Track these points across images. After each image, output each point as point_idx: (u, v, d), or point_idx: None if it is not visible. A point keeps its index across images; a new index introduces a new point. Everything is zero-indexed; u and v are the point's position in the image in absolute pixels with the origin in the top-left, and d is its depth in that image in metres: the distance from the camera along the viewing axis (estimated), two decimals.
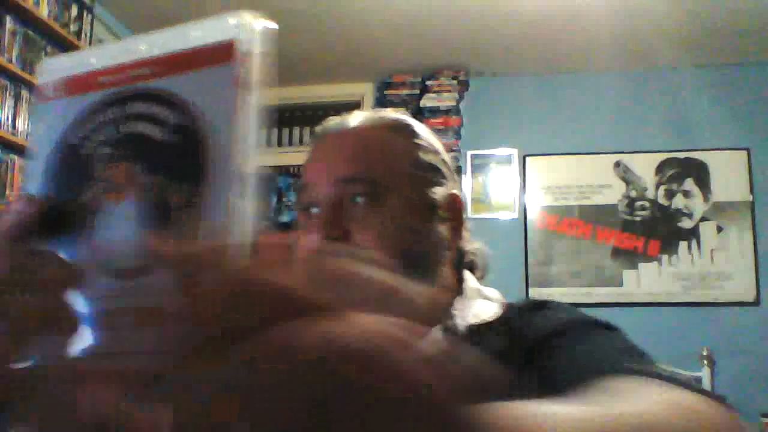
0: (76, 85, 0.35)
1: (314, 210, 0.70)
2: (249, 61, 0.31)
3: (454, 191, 0.77)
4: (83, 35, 2.97)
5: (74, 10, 2.93)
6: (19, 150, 2.56)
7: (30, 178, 0.35)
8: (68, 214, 0.33)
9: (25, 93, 2.59)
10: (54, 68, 0.36)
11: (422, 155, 0.74)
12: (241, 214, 0.30)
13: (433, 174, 0.74)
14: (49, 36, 2.74)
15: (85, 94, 0.34)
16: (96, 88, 0.34)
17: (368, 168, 0.70)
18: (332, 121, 0.77)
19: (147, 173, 0.32)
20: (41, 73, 0.36)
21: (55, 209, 0.34)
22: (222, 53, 0.31)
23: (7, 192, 2.47)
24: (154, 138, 0.32)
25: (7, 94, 2.50)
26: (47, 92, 0.35)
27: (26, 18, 2.61)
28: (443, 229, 0.74)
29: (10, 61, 2.52)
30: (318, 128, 0.78)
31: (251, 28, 0.31)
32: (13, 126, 2.52)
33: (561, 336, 0.62)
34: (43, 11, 2.70)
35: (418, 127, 0.78)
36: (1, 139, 2.44)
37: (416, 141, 0.75)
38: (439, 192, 0.74)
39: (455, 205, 0.76)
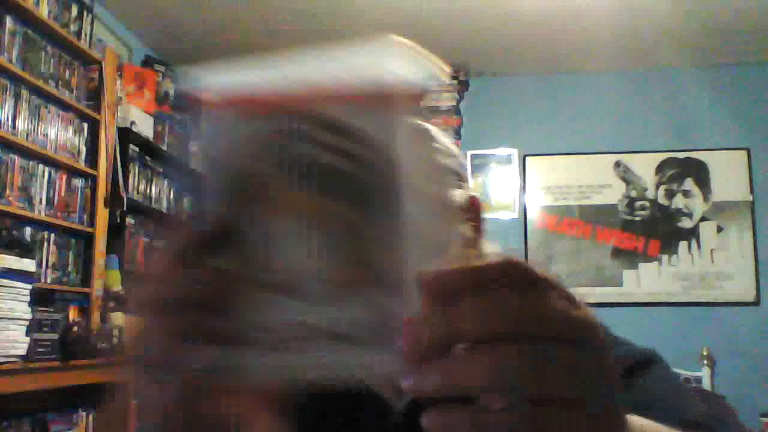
0: (249, 103, 0.33)
1: None
2: (426, 97, 0.32)
3: (473, 193, 0.79)
4: (83, 35, 2.97)
5: (74, 10, 2.92)
6: (19, 150, 2.56)
7: (199, 196, 0.35)
8: (241, 235, 0.33)
9: (25, 93, 2.58)
10: (220, 83, 0.34)
11: (441, 159, 0.76)
12: (425, 242, 0.31)
13: (452, 177, 0.77)
14: (49, 36, 2.74)
15: (257, 115, 0.33)
16: (268, 109, 0.33)
17: None
18: None
19: (323, 199, 0.32)
20: (206, 86, 0.35)
21: (228, 229, 0.33)
22: (399, 90, 0.31)
23: (7, 192, 2.47)
24: (330, 165, 0.32)
25: (7, 94, 2.49)
26: (217, 108, 0.34)
27: (26, 18, 2.61)
28: (466, 230, 0.76)
29: (10, 61, 2.51)
30: None
31: (427, 66, 0.32)
32: (13, 126, 2.51)
33: (632, 371, 0.66)
34: (43, 11, 2.70)
35: (435, 130, 0.80)
36: (1, 139, 2.44)
37: (435, 145, 0.77)
38: (459, 194, 0.76)
39: (474, 207, 0.78)
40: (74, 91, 2.88)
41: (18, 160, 2.55)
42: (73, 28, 2.91)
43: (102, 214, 2.95)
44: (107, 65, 3.01)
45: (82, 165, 2.89)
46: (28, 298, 2.15)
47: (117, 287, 2.90)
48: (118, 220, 3.08)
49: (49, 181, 2.71)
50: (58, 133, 2.76)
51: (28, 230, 2.59)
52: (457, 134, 4.05)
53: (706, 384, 3.49)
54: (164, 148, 3.62)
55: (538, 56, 3.92)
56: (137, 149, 3.36)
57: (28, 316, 2.15)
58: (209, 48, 3.83)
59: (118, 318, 2.83)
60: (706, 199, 3.92)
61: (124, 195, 3.08)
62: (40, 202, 2.65)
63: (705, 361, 3.54)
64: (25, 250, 2.22)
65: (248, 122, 0.33)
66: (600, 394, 0.28)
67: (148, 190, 3.49)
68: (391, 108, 0.31)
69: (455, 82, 4.06)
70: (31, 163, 2.62)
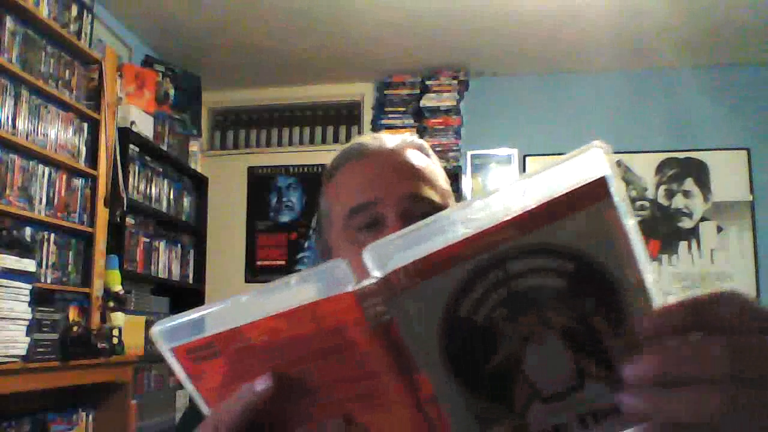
0: (438, 263, 0.33)
1: (373, 227, 0.72)
2: (617, 190, 0.32)
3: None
4: (83, 35, 2.97)
5: (74, 10, 2.92)
6: (19, 150, 2.55)
7: (428, 361, 0.35)
8: (496, 375, 0.35)
9: (25, 93, 2.59)
10: (404, 251, 0.34)
11: (442, 172, 0.81)
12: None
13: (450, 187, 0.82)
14: (49, 36, 2.74)
15: (450, 269, 0.33)
16: (461, 259, 0.33)
17: (423, 186, 0.75)
18: (359, 144, 0.80)
19: (555, 314, 0.34)
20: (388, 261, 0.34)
21: (484, 377, 0.35)
22: (592, 190, 0.32)
23: (7, 192, 2.47)
24: (550, 286, 0.33)
25: (7, 94, 2.50)
26: (406, 279, 0.33)
27: (26, 18, 2.61)
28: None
29: (10, 61, 2.51)
30: (352, 149, 0.80)
31: (609, 158, 0.33)
32: (13, 126, 2.51)
33: None
34: (43, 11, 2.70)
35: (428, 146, 0.84)
36: (1, 139, 2.44)
37: (435, 161, 0.82)
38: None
39: None
40: (74, 91, 2.88)
41: (18, 160, 2.55)
42: (73, 28, 2.91)
43: (102, 214, 2.95)
44: (107, 65, 3.01)
45: (82, 165, 2.89)
46: (28, 298, 2.15)
47: (117, 287, 2.90)
48: (118, 220, 3.08)
49: (49, 181, 2.71)
50: (58, 133, 2.76)
51: (28, 230, 2.59)
52: (457, 134, 4.05)
53: None
54: (164, 148, 3.62)
55: (538, 56, 3.92)
56: (137, 149, 3.36)
57: (28, 316, 2.15)
58: (209, 48, 3.83)
59: (118, 318, 2.83)
60: (706, 199, 3.92)
61: (124, 195, 3.08)
62: (40, 202, 2.65)
63: None
64: (25, 250, 2.22)
65: (443, 280, 0.33)
66: None
67: (148, 190, 3.49)
68: (585, 210, 0.32)
69: (455, 82, 4.06)
70: (31, 163, 2.62)
